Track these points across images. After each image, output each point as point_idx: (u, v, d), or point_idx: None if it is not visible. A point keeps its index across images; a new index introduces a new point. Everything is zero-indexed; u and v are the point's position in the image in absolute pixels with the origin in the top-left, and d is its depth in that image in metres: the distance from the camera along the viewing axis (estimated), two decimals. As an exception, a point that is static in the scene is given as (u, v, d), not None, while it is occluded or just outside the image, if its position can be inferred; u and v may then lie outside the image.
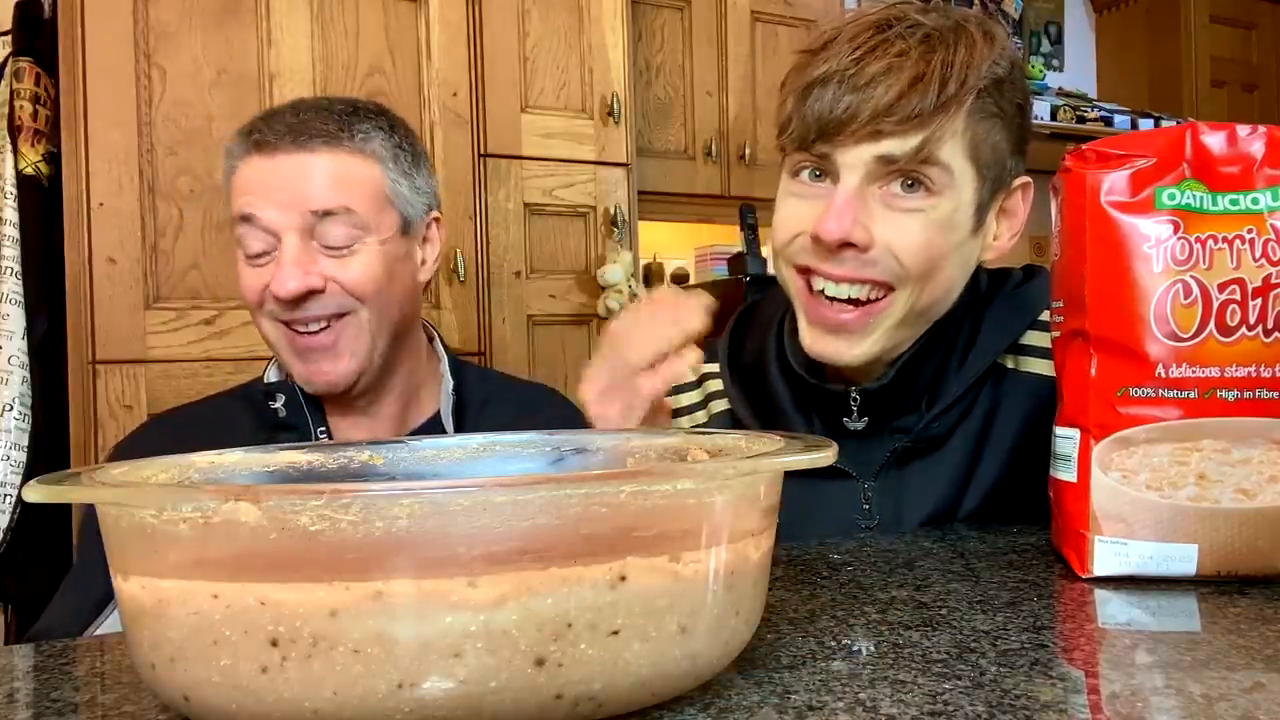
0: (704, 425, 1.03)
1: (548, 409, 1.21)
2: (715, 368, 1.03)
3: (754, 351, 1.00)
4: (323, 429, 1.07)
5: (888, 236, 0.81)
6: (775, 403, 0.95)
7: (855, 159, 0.81)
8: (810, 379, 0.91)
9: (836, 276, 0.83)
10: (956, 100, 0.80)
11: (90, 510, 1.06)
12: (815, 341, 0.86)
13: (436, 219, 1.12)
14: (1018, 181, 0.88)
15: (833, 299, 0.84)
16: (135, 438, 1.15)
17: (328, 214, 0.99)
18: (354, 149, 1.01)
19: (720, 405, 1.02)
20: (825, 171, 0.84)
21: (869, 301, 0.83)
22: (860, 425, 0.91)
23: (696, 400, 1.05)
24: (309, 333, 1.01)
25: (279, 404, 1.06)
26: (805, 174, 0.85)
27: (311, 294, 0.99)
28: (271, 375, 1.12)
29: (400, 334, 1.08)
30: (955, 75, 0.80)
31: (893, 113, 0.79)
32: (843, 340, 0.85)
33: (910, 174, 0.81)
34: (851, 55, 0.81)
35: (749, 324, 1.05)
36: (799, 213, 0.85)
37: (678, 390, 1.06)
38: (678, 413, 1.05)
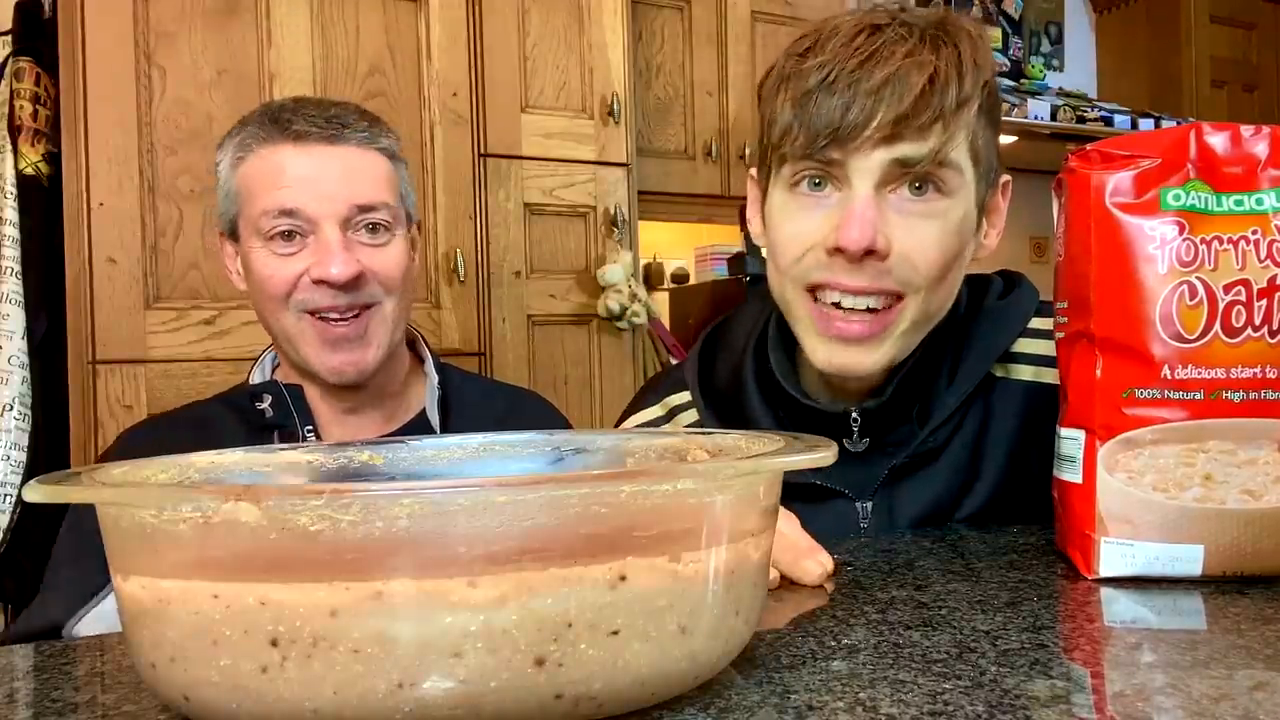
0: None
1: (532, 411, 1.23)
2: (686, 397, 0.98)
3: (727, 375, 0.96)
4: (310, 427, 1.07)
5: (904, 243, 0.79)
6: (756, 429, 0.90)
7: (869, 164, 0.78)
8: (807, 402, 0.88)
9: (854, 289, 0.80)
10: (972, 98, 0.79)
11: (72, 520, 1.06)
12: (831, 355, 0.83)
13: (418, 223, 1.17)
14: (1001, 179, 0.88)
15: (848, 309, 0.81)
16: (118, 446, 1.13)
17: (369, 209, 1.04)
18: (380, 148, 1.06)
19: None
20: (826, 178, 0.81)
21: (882, 310, 0.81)
22: (861, 447, 0.89)
23: None
24: (341, 321, 1.03)
25: (265, 404, 1.06)
26: (805, 184, 0.82)
27: (354, 280, 1.02)
28: (256, 378, 1.12)
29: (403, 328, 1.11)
30: (969, 71, 0.78)
31: (915, 115, 0.76)
32: (860, 350, 0.82)
33: (922, 177, 0.79)
34: (854, 58, 0.78)
35: (718, 346, 1.00)
36: (808, 227, 0.82)
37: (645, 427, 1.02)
38: None
